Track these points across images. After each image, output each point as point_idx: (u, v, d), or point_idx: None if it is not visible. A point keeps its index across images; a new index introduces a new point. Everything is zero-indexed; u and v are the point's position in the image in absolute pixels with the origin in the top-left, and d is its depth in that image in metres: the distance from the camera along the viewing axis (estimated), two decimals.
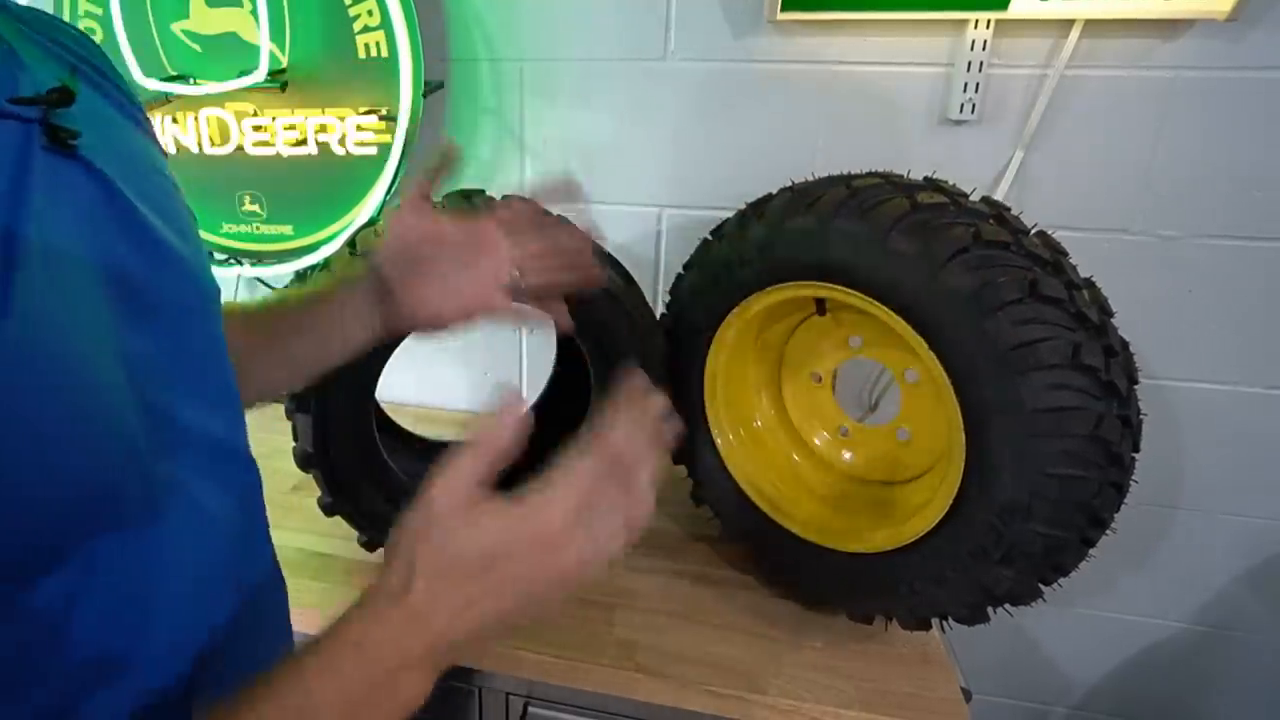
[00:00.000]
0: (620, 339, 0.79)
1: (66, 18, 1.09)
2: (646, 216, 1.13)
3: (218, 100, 1.09)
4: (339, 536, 0.89)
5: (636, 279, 0.82)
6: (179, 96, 1.09)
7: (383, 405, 0.90)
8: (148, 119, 0.46)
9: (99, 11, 1.08)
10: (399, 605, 0.36)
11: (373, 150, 1.07)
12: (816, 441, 0.91)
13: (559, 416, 0.95)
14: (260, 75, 1.04)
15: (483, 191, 0.79)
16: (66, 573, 0.31)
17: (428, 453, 1.00)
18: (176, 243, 0.39)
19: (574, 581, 0.39)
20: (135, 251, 0.36)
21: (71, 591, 0.31)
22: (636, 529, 0.41)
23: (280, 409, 0.83)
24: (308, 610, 0.82)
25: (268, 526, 0.48)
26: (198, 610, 0.38)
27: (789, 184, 0.78)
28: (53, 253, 0.31)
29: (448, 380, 1.31)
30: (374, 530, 0.83)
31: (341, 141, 1.07)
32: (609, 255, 0.80)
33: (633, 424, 0.42)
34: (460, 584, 0.36)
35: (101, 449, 0.31)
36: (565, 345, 1.00)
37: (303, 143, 1.08)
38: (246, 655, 0.41)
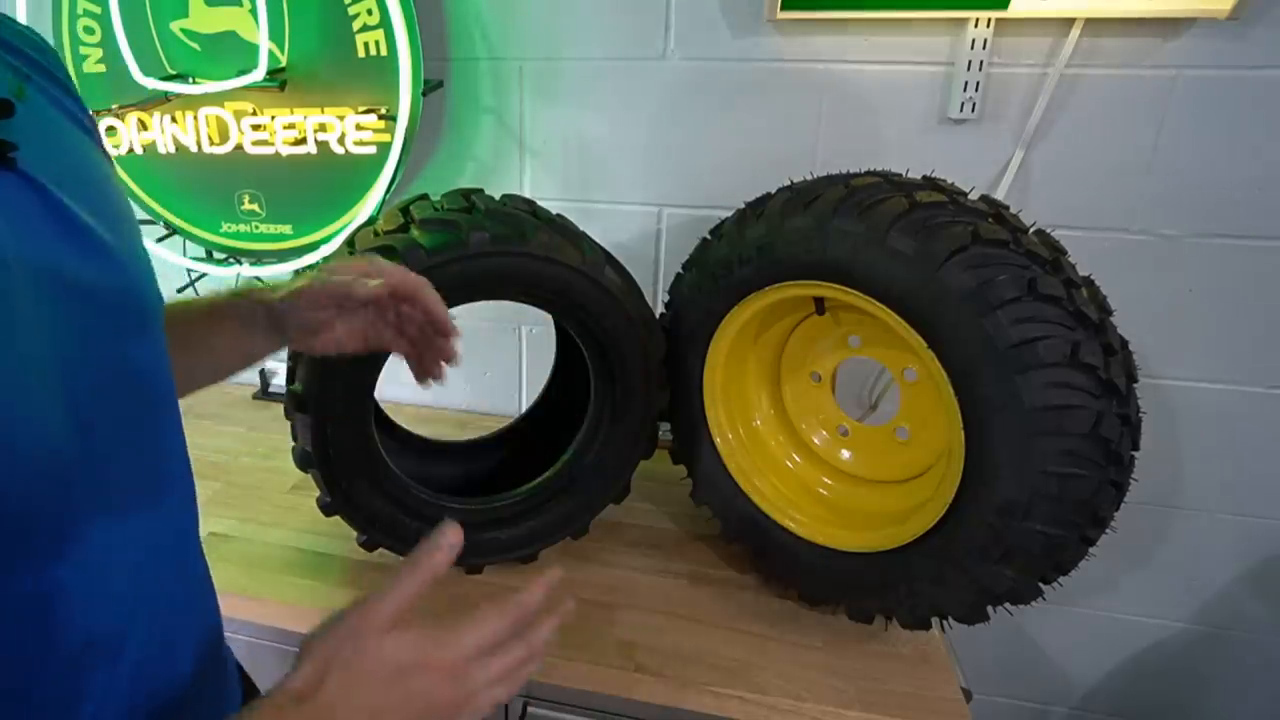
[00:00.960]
0: (620, 339, 0.79)
1: (65, 17, 1.09)
2: (646, 216, 1.13)
3: (217, 99, 1.09)
4: (338, 536, 0.89)
5: (636, 278, 0.82)
6: (178, 96, 1.09)
7: (382, 405, 0.90)
8: (97, 128, 0.47)
9: (98, 10, 1.08)
10: (310, 702, 0.38)
11: (372, 149, 1.07)
12: (816, 441, 0.91)
13: (558, 416, 0.95)
14: (259, 74, 1.04)
15: (482, 191, 0.79)
16: (46, 560, 0.33)
17: (427, 453, 1.00)
18: (124, 258, 0.40)
19: (468, 711, 0.43)
20: (79, 262, 0.37)
21: (56, 578, 0.33)
22: (522, 682, 0.46)
23: (279, 409, 0.83)
24: (307, 610, 0.82)
25: (199, 536, 0.50)
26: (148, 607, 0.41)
27: (788, 183, 0.78)
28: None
29: (447, 379, 1.31)
30: (373, 530, 0.83)
31: (341, 141, 1.07)
32: (608, 254, 0.80)
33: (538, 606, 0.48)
34: (370, 691, 0.39)
35: (21, 462, 0.32)
36: (565, 345, 1.00)
37: (302, 142, 1.08)
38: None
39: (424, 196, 0.79)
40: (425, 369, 0.65)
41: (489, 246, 0.72)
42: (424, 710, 0.41)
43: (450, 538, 0.44)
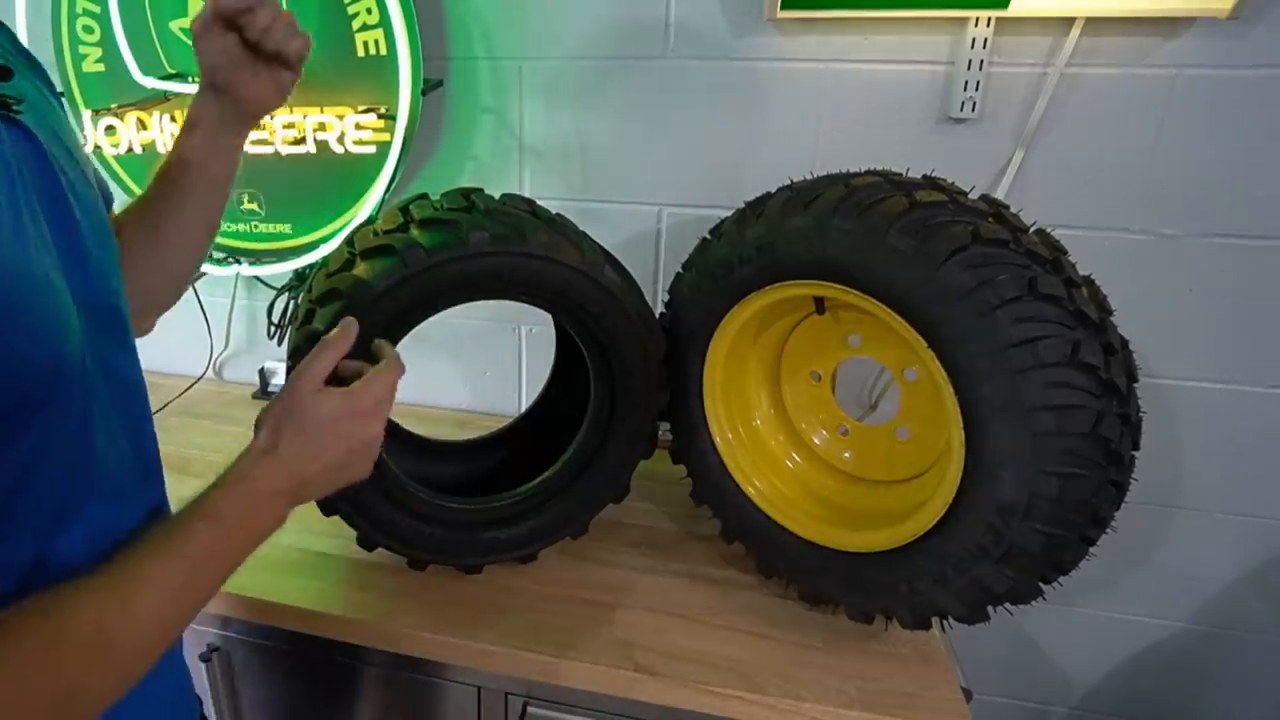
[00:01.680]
0: (620, 338, 0.79)
1: (64, 17, 1.09)
2: (645, 215, 1.13)
3: None
4: (338, 536, 0.89)
5: (635, 278, 0.81)
6: (177, 95, 1.09)
7: None
8: (65, 107, 0.53)
9: (97, 10, 1.08)
10: (270, 455, 0.52)
11: (371, 149, 1.06)
12: (816, 440, 0.91)
13: (558, 415, 0.95)
14: None
15: (481, 190, 0.79)
16: (28, 437, 0.39)
17: (427, 452, 1.00)
18: (90, 240, 0.46)
19: (376, 444, 0.59)
20: (63, 207, 0.44)
21: (28, 456, 0.40)
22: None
23: None
24: (306, 610, 0.82)
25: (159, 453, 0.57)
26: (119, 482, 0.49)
27: (788, 182, 0.78)
28: (19, 195, 0.38)
29: (447, 379, 1.31)
30: (373, 530, 0.83)
31: (340, 140, 1.07)
32: (608, 254, 0.80)
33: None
34: (312, 437, 0.54)
35: (58, 334, 0.40)
36: (564, 344, 1.00)
37: (301, 141, 1.08)
38: None
39: (423, 196, 0.79)
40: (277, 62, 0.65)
41: (489, 246, 0.72)
42: (352, 446, 0.56)
43: (351, 327, 0.60)
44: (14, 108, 0.41)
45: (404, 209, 0.76)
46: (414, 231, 0.72)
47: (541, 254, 0.73)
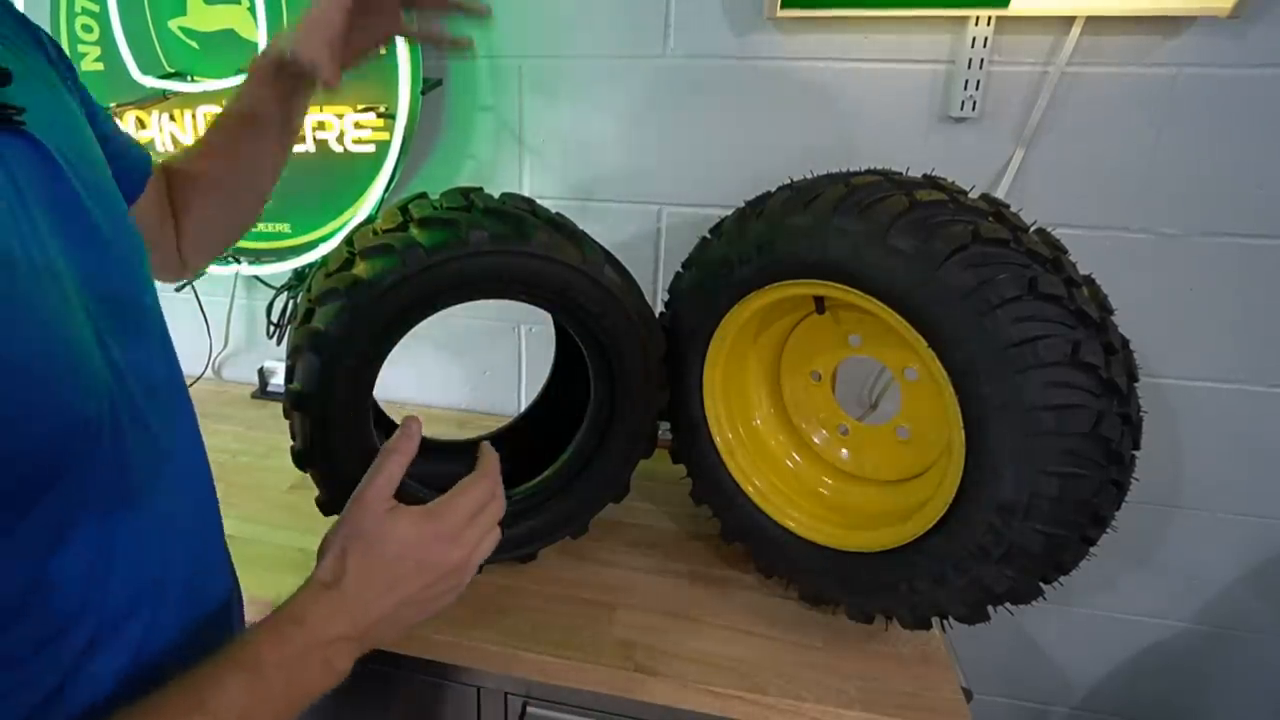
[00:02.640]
0: (619, 338, 0.79)
1: (63, 15, 1.09)
2: (645, 214, 1.13)
3: (216, 98, 1.09)
4: None
5: (635, 277, 0.81)
6: (176, 94, 1.09)
7: (381, 404, 0.90)
8: (76, 76, 0.51)
9: (96, 9, 1.08)
10: (335, 590, 0.44)
11: (371, 148, 1.06)
12: (816, 440, 0.91)
13: (558, 415, 0.95)
14: None
15: (481, 189, 0.79)
16: (56, 500, 0.35)
17: (427, 452, 0.99)
18: (105, 229, 0.42)
19: (467, 571, 0.52)
20: (80, 253, 0.40)
21: (61, 519, 0.35)
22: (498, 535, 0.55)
23: (278, 408, 0.83)
24: None
25: (206, 456, 0.53)
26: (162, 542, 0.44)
27: (788, 182, 0.78)
28: (20, 221, 0.35)
29: (447, 379, 1.31)
30: None
31: (339, 139, 1.06)
32: (608, 253, 0.80)
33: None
34: (386, 567, 0.46)
35: (81, 384, 0.36)
36: (564, 344, 1.00)
37: (300, 140, 1.08)
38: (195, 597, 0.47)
39: (423, 195, 0.79)
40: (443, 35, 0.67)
41: (488, 245, 0.71)
42: (435, 577, 0.48)
43: (412, 426, 0.53)
44: (15, 117, 0.37)
45: (403, 208, 0.76)
46: (413, 231, 0.72)
47: (541, 253, 0.73)
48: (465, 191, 0.77)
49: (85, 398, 0.35)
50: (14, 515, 0.33)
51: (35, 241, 0.35)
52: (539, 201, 0.80)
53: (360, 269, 0.70)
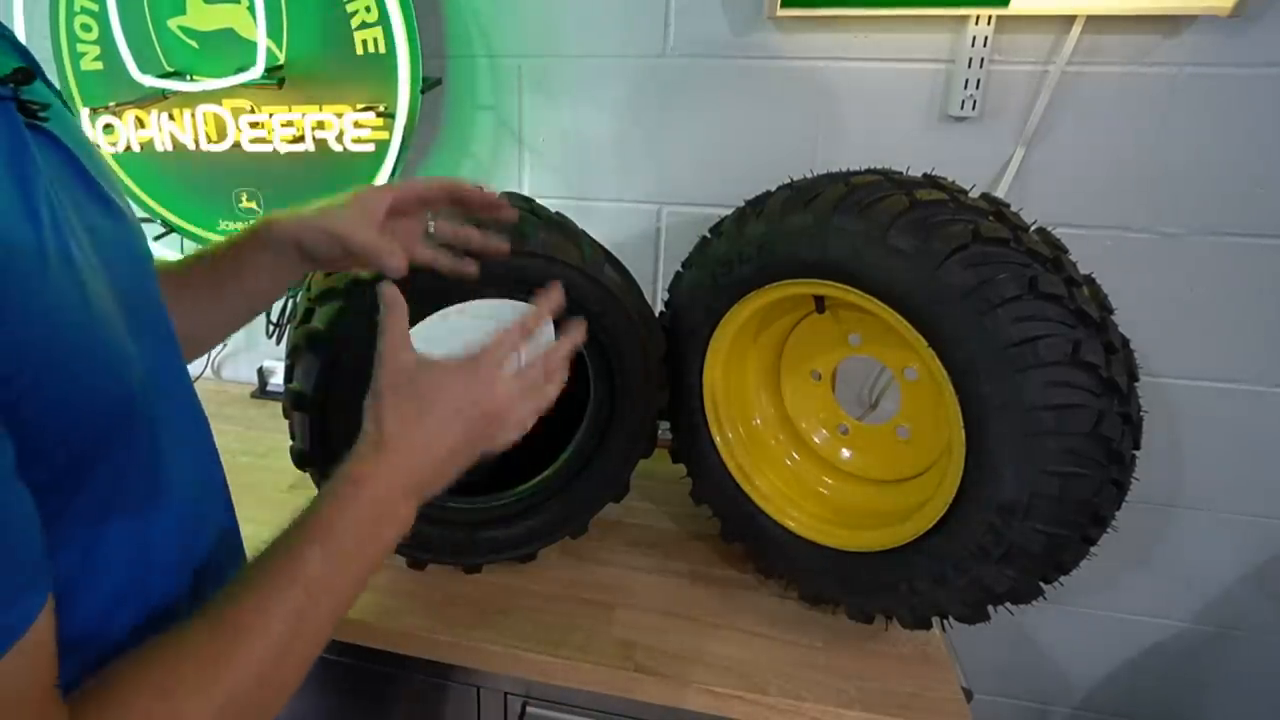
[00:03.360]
0: (619, 337, 0.79)
1: (62, 15, 1.09)
2: (645, 214, 1.13)
3: (215, 97, 1.08)
4: None
5: (635, 276, 0.81)
6: (176, 93, 1.09)
7: None
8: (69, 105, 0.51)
9: (95, 8, 1.07)
10: (381, 452, 0.47)
11: (370, 147, 1.06)
12: (816, 440, 0.91)
13: (558, 415, 0.95)
14: (257, 72, 1.04)
15: (481, 189, 0.79)
16: (98, 479, 0.37)
17: None
18: (122, 226, 0.44)
19: (512, 419, 0.52)
20: (112, 225, 0.42)
21: (104, 497, 0.37)
22: (549, 399, 0.55)
23: (277, 408, 0.83)
24: None
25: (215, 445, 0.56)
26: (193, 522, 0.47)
27: (788, 181, 0.78)
28: (60, 213, 0.36)
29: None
30: None
31: (339, 138, 1.06)
32: (608, 253, 0.80)
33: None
34: (418, 422, 0.48)
35: (116, 369, 0.37)
36: None
37: (300, 140, 1.08)
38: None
39: None
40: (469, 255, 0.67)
41: None
42: (471, 422, 0.50)
43: (387, 291, 0.53)
44: (40, 114, 0.38)
45: None
46: None
47: (541, 253, 0.73)
48: None
49: (120, 382, 0.38)
50: (67, 495, 0.35)
51: (72, 236, 0.37)
52: (539, 201, 0.80)
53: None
